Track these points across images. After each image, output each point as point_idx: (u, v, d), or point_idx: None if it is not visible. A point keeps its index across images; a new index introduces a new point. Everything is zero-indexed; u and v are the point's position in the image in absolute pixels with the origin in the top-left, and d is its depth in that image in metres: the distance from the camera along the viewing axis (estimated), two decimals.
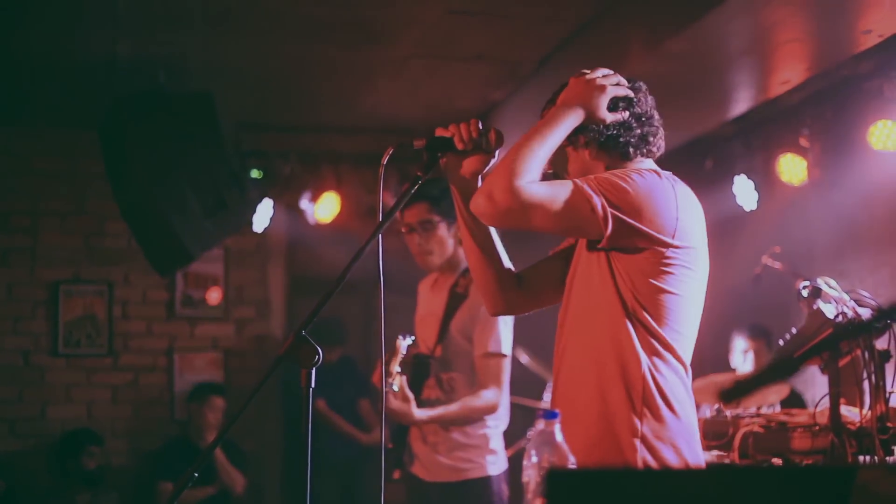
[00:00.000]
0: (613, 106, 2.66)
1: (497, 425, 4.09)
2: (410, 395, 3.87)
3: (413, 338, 3.78)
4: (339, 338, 7.06)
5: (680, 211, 2.54)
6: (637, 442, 2.52)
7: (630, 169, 2.62)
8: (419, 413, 3.88)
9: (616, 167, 2.67)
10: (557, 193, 2.53)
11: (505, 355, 3.97)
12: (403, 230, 4.14)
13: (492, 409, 3.99)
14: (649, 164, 2.71)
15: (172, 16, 5.00)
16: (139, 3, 4.87)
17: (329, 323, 6.77)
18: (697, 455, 2.63)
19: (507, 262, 2.87)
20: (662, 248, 2.53)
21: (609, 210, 2.50)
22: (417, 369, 4.06)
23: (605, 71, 2.71)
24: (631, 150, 2.69)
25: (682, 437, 2.58)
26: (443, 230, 4.08)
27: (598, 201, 2.51)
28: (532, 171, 2.54)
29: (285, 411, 6.99)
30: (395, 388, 3.82)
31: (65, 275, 6.90)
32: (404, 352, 3.79)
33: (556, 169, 2.76)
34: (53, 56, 5.56)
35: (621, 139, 2.68)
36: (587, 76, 2.68)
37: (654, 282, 2.54)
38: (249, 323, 7.18)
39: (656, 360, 2.56)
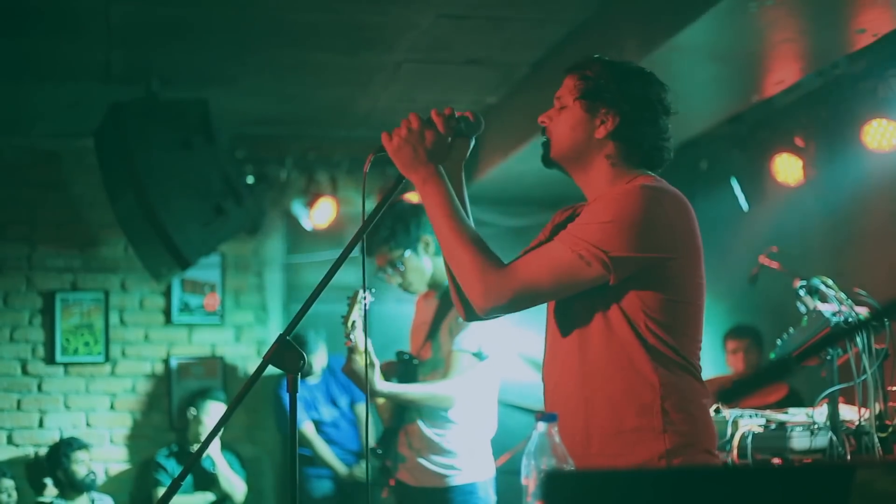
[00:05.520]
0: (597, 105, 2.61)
1: (480, 429, 4.06)
2: (376, 361, 3.80)
3: (374, 290, 3.29)
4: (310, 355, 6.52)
5: (673, 220, 2.48)
6: (676, 461, 2.45)
7: (612, 196, 2.50)
8: (380, 383, 3.82)
9: (619, 172, 2.60)
10: (544, 265, 2.48)
11: (470, 352, 3.93)
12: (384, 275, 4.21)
13: (448, 401, 3.94)
14: (642, 177, 2.59)
15: (166, 23, 5.00)
16: (132, 12, 4.87)
17: (297, 339, 6.27)
18: (716, 455, 2.59)
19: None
20: (667, 262, 2.48)
21: (606, 255, 2.42)
22: (404, 369, 4.07)
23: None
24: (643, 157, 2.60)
25: (705, 440, 2.53)
26: (412, 259, 4.12)
27: (590, 253, 2.43)
28: (477, 249, 2.50)
29: (277, 417, 6.92)
30: (353, 338, 3.64)
31: (61, 284, 6.90)
32: (365, 303, 3.33)
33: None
34: (47, 66, 5.55)
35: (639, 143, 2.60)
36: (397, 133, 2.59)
37: (663, 294, 2.48)
38: (247, 329, 7.18)
39: (674, 370, 2.49)
